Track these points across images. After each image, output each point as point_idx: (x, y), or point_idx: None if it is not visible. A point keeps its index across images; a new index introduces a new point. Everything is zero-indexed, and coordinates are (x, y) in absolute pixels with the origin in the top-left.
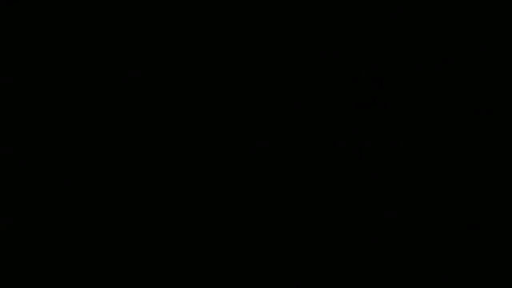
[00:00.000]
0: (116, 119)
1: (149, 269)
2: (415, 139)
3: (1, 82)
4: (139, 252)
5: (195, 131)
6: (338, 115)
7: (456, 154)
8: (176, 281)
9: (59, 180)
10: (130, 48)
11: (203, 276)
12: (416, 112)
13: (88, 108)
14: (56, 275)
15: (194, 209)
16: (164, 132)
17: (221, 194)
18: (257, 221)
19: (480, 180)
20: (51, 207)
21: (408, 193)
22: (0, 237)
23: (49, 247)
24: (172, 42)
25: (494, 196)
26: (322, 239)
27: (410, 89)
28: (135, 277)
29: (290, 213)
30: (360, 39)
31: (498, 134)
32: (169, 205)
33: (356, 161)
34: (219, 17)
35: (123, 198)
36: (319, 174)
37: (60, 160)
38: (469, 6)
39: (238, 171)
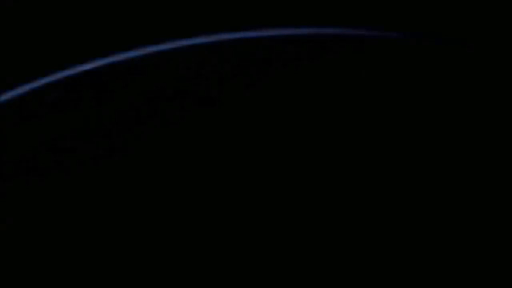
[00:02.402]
0: (116, 117)
1: (149, 269)
2: (416, 138)
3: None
4: (139, 253)
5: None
6: (337, 114)
7: (456, 152)
8: (176, 281)
9: (59, 180)
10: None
11: (201, 276)
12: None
13: (87, 107)
14: (57, 275)
15: (193, 208)
16: (163, 131)
17: (221, 194)
18: (257, 221)
19: (480, 179)
20: (51, 207)
21: (408, 193)
22: (0, 237)
23: (49, 247)
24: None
25: (495, 195)
26: (323, 239)
27: (411, 87)
28: (135, 277)
29: (289, 213)
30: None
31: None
32: (168, 204)
33: (355, 160)
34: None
35: (124, 197)
36: (318, 173)
37: (61, 160)
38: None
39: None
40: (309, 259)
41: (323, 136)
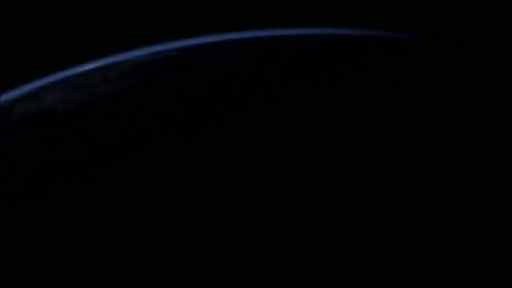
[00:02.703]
0: (116, 117)
1: (150, 271)
2: (415, 138)
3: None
4: (139, 254)
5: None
6: (337, 114)
7: (458, 152)
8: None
9: (59, 180)
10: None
11: (204, 277)
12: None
13: (87, 108)
14: (57, 276)
15: (194, 209)
16: (163, 131)
17: (221, 194)
18: (256, 222)
19: (481, 179)
20: (51, 207)
21: (408, 193)
22: (0, 237)
23: (49, 248)
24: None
25: (495, 195)
26: (322, 239)
27: (411, 87)
28: (135, 278)
29: (288, 213)
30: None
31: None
32: (169, 205)
33: (356, 160)
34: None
35: (124, 198)
36: (318, 173)
37: (61, 160)
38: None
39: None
40: (317, 261)
41: (324, 135)
